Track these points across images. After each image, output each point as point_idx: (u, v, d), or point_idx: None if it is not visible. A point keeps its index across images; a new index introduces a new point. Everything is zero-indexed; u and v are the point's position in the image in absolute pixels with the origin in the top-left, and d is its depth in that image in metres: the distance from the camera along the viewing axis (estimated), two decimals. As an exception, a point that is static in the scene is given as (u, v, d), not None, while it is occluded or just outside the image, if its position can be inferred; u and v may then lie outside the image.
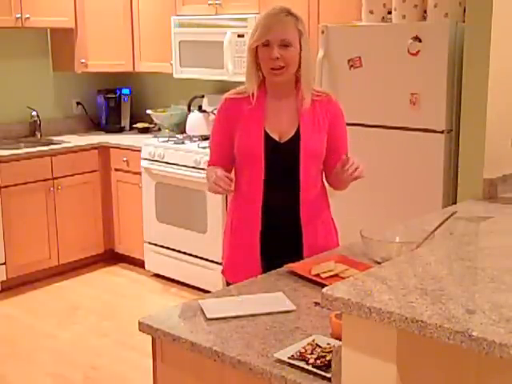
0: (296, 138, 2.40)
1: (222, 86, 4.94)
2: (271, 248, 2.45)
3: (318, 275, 2.17)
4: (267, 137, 2.40)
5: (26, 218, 4.88)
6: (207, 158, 2.63)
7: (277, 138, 2.41)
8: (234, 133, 2.43)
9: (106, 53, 5.45)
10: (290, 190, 2.43)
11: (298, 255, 2.43)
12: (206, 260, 4.67)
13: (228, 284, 2.53)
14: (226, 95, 2.51)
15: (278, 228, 2.45)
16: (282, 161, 2.43)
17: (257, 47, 2.36)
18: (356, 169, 2.31)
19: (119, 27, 5.45)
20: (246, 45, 2.47)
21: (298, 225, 2.45)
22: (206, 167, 2.61)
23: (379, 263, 2.13)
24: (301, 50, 2.35)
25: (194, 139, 4.93)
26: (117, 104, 5.81)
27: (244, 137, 2.41)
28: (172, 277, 5.00)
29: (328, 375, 1.55)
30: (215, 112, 2.59)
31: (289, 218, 2.46)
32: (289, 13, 2.35)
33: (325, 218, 2.54)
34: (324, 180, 2.56)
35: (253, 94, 2.41)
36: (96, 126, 5.87)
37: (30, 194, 4.89)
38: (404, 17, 3.67)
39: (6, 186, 4.75)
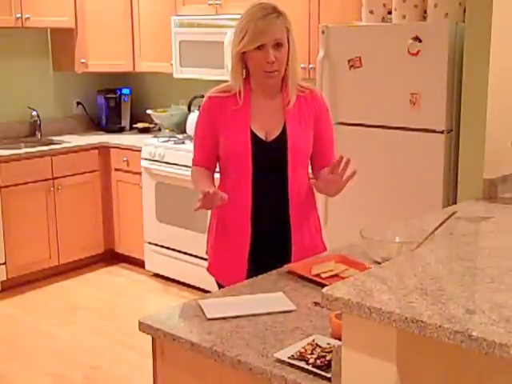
0: (283, 135, 2.38)
1: (222, 86, 4.94)
2: (259, 248, 2.42)
3: (318, 275, 2.17)
4: (253, 136, 2.37)
5: (26, 218, 4.88)
6: None
7: (263, 137, 2.39)
8: (218, 132, 2.40)
9: (106, 53, 5.45)
10: (279, 189, 2.40)
11: (286, 254, 2.43)
12: (206, 260, 4.65)
13: (218, 283, 2.53)
14: (209, 93, 2.45)
15: (267, 228, 2.43)
16: (270, 159, 2.40)
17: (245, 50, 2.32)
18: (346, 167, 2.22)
19: (119, 27, 5.46)
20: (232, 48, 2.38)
21: (286, 223, 2.42)
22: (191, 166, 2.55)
23: (379, 263, 2.13)
24: (289, 47, 2.34)
25: (194, 139, 4.93)
26: (117, 104, 5.82)
27: (230, 136, 2.38)
28: (172, 277, 5.01)
29: (328, 375, 1.55)
30: None
31: (278, 216, 2.43)
32: (277, 12, 2.30)
33: (312, 217, 2.53)
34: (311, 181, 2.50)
35: (239, 92, 2.38)
36: (96, 125, 5.88)
37: (30, 194, 4.89)
38: (404, 17, 3.67)
39: (6, 186, 4.76)
